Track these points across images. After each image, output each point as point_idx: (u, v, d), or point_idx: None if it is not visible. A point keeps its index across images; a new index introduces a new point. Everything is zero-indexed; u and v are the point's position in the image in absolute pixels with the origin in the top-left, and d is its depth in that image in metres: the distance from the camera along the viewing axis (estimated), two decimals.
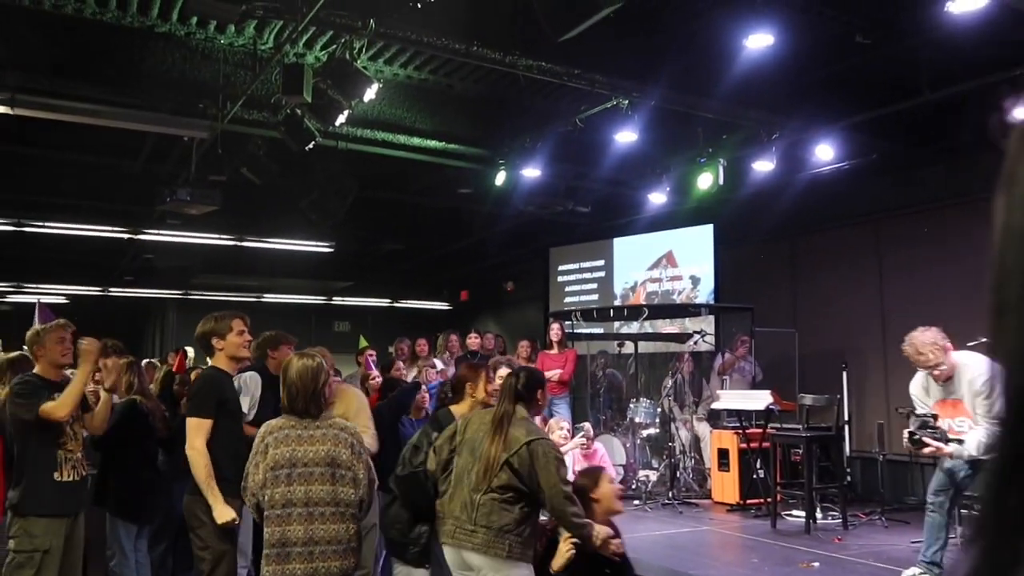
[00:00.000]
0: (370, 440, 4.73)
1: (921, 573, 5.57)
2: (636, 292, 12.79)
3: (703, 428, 10.01)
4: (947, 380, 5.27)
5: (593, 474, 3.95)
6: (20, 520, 4.03)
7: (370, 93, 6.58)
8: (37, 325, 4.56)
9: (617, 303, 12.74)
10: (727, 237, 11.62)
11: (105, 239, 12.76)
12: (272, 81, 7.31)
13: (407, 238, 14.63)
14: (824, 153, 8.75)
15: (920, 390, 5.51)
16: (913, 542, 6.85)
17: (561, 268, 14.15)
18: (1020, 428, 0.62)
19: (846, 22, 6.52)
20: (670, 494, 9.05)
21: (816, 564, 6.32)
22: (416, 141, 8.87)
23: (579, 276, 13.83)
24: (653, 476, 9.43)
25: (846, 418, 9.23)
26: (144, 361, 5.12)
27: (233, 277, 16.29)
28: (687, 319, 11.62)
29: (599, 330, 12.18)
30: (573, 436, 8.02)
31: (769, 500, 8.22)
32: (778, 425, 8.67)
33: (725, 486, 9.09)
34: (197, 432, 3.87)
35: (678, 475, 9.44)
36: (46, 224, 11.74)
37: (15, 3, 5.97)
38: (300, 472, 3.35)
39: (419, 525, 3.75)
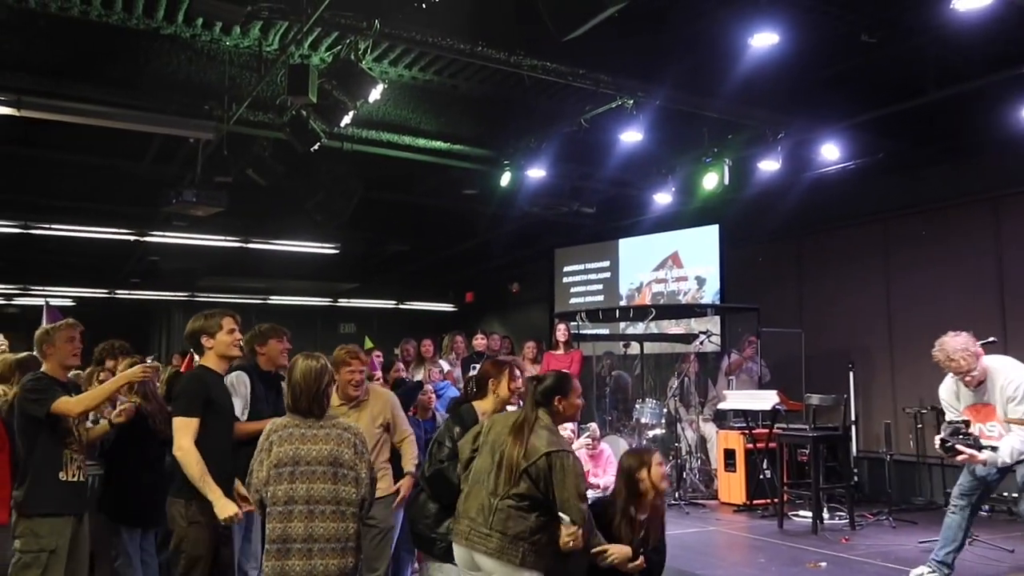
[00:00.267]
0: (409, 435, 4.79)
1: (930, 572, 5.54)
2: (642, 293, 12.77)
3: (709, 429, 10.00)
4: (978, 385, 5.18)
5: (640, 455, 3.91)
6: (26, 520, 4.03)
7: (375, 94, 6.59)
8: (46, 325, 4.55)
9: (623, 304, 12.73)
10: (733, 237, 11.60)
11: (111, 241, 12.79)
12: (277, 82, 7.32)
13: (412, 239, 14.63)
14: (830, 152, 8.73)
15: (950, 395, 5.41)
16: (921, 542, 6.84)
17: (566, 269, 14.14)
18: None
19: (851, 20, 6.50)
20: (676, 495, 9.03)
21: (823, 564, 6.31)
22: (421, 142, 8.87)
23: (584, 277, 13.82)
24: None
25: (853, 418, 9.21)
26: (151, 357, 5.03)
27: (239, 279, 16.31)
28: (693, 320, 11.60)
29: (605, 331, 12.16)
30: (579, 437, 8.03)
31: (776, 500, 8.20)
32: (785, 425, 8.66)
33: (732, 486, 9.07)
34: (184, 432, 3.80)
35: (684, 476, 9.43)
36: (52, 226, 11.77)
37: (22, 5, 5.98)
38: (303, 470, 3.40)
39: (447, 520, 3.74)
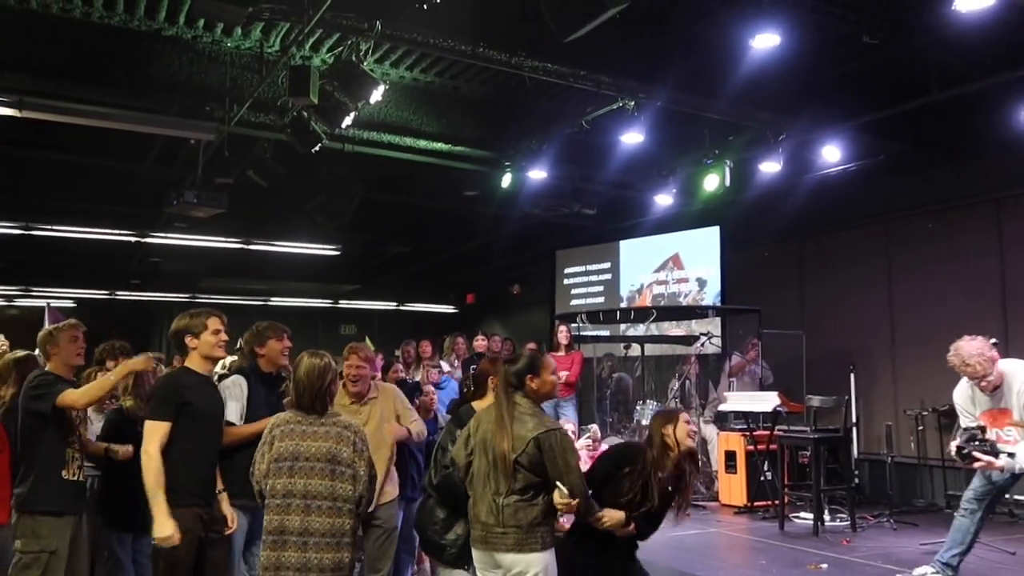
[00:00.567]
0: (419, 427, 4.81)
1: (934, 573, 5.52)
2: (642, 294, 12.77)
3: (710, 430, 9.98)
4: (994, 390, 5.12)
5: (668, 413, 3.93)
6: (27, 520, 4.02)
7: (376, 95, 6.58)
8: (48, 326, 4.54)
9: (623, 305, 12.73)
10: (734, 239, 11.60)
11: (112, 242, 12.80)
12: (279, 83, 7.32)
13: (413, 241, 14.64)
14: (831, 154, 8.72)
15: (966, 400, 5.34)
16: (922, 544, 6.83)
17: (567, 270, 14.14)
18: None
19: (853, 21, 6.49)
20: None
21: (824, 566, 6.29)
22: (422, 143, 8.87)
23: (585, 279, 13.83)
24: None
25: (854, 420, 9.20)
26: (151, 354, 4.90)
27: (240, 280, 16.32)
28: (694, 321, 11.59)
29: (605, 333, 12.16)
30: (580, 438, 8.03)
31: (777, 502, 8.19)
32: (785, 427, 8.65)
33: (732, 488, 9.05)
34: (151, 436, 3.67)
35: None
36: (53, 227, 11.79)
37: (23, 7, 5.98)
38: (301, 466, 3.50)
39: (456, 526, 3.75)
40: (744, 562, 6.96)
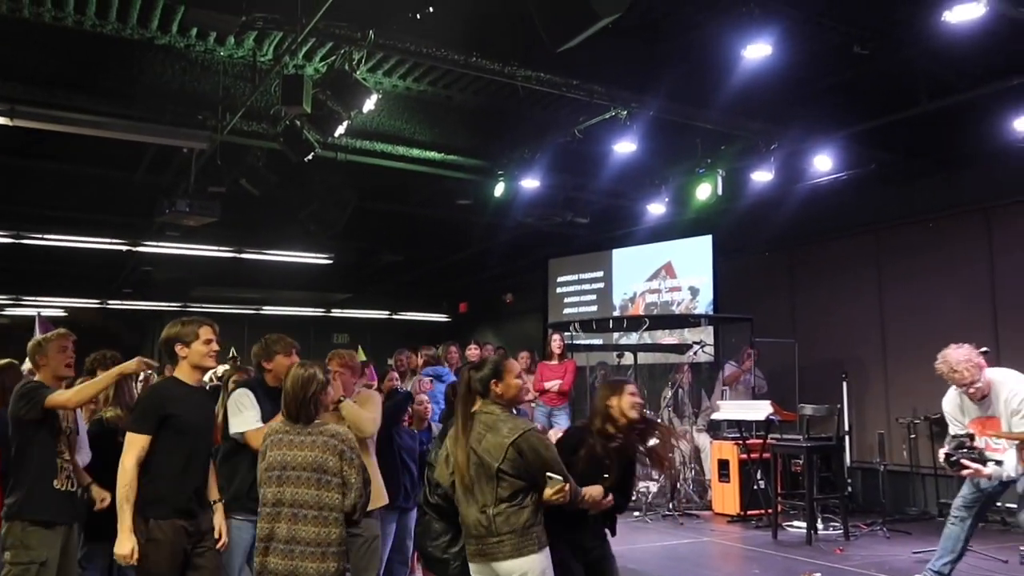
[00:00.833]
0: (364, 424, 4.48)
1: None
2: (635, 303, 12.78)
3: (703, 439, 9.99)
4: (983, 398, 5.13)
5: (614, 384, 3.95)
6: (17, 530, 3.98)
7: (369, 104, 6.59)
8: (38, 335, 4.50)
9: (616, 314, 12.73)
10: (726, 248, 11.63)
11: (104, 251, 12.74)
12: (271, 92, 7.32)
13: (406, 250, 14.62)
14: (823, 163, 8.76)
15: (954, 408, 5.35)
16: (915, 552, 6.84)
17: (560, 279, 14.14)
18: None
19: (844, 32, 6.55)
20: (670, 505, 9.02)
21: (817, 575, 6.30)
22: (415, 152, 8.87)
23: (578, 287, 13.83)
24: (653, 487, 9.41)
25: (846, 428, 9.21)
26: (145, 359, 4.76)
27: (232, 289, 16.27)
28: (686, 330, 11.61)
29: (598, 341, 12.16)
30: None
31: (770, 511, 8.19)
32: (778, 436, 8.66)
33: (725, 497, 9.06)
34: (129, 448, 3.60)
35: (678, 486, 9.41)
36: (45, 236, 11.72)
37: (15, 15, 5.97)
38: (288, 475, 3.55)
39: (457, 541, 3.72)
40: (737, 571, 6.96)
